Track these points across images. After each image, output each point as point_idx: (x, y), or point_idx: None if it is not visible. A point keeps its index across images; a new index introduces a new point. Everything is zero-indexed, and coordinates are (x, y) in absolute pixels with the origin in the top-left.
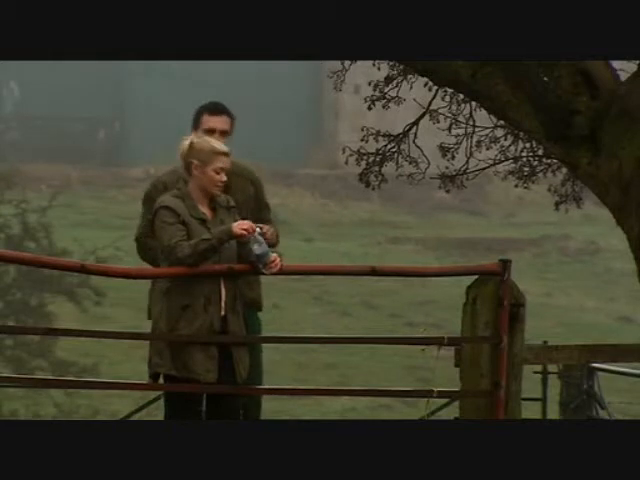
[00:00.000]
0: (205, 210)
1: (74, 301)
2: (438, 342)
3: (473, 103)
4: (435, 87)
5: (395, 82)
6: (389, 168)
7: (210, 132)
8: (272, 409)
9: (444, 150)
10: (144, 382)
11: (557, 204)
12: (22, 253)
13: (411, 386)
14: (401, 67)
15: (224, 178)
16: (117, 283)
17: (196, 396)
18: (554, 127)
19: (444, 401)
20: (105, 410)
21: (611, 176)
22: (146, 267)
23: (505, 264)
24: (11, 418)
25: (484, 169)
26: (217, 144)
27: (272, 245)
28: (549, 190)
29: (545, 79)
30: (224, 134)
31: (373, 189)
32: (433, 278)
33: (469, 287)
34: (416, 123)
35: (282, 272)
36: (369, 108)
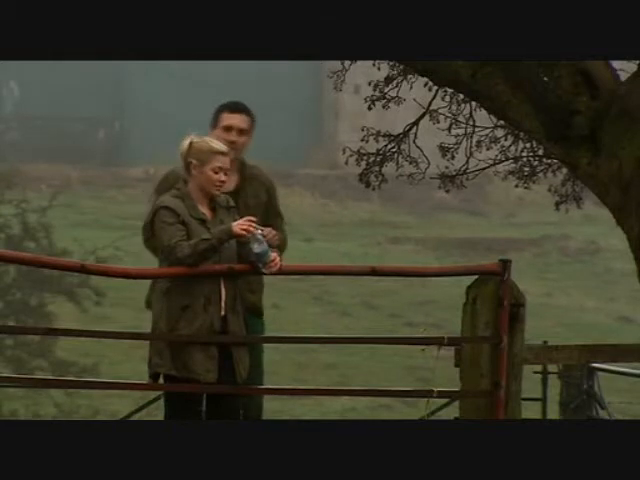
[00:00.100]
0: (205, 210)
1: (74, 301)
2: (438, 342)
3: (473, 103)
4: (435, 87)
5: (395, 82)
6: (389, 168)
7: (228, 129)
8: (272, 409)
9: (444, 150)
10: (144, 382)
11: (557, 204)
12: (22, 253)
13: (411, 386)
14: (401, 67)
15: (223, 178)
16: (117, 283)
17: (196, 396)
18: (554, 127)
19: (444, 401)
20: (105, 410)
21: (611, 176)
22: (146, 267)
23: (505, 264)
24: (11, 418)
25: (484, 169)
26: (216, 144)
27: (275, 248)
28: (549, 190)
29: (545, 79)
30: (242, 132)
31: (373, 189)
32: (433, 278)
33: (469, 287)
34: (416, 123)
35: (282, 272)
36: (369, 108)
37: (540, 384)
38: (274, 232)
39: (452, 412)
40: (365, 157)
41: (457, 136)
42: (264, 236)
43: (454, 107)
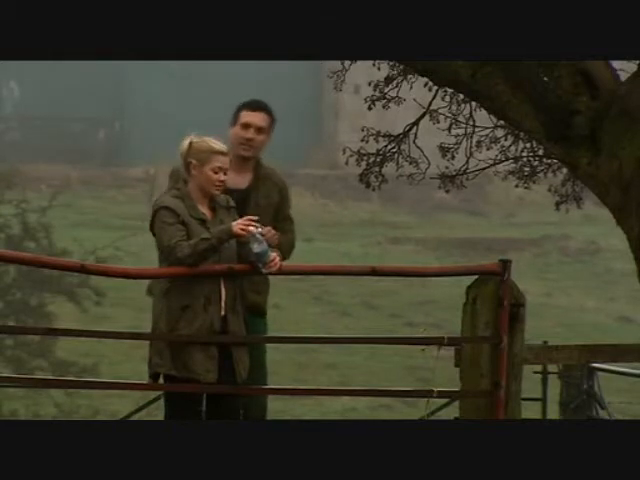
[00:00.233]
0: (205, 210)
1: (74, 301)
2: (438, 342)
3: (473, 103)
4: (435, 87)
5: (395, 82)
6: (389, 168)
7: (246, 127)
8: (273, 409)
9: (444, 150)
10: (144, 382)
11: (557, 204)
12: (22, 253)
13: (411, 386)
14: (401, 67)
15: (223, 177)
16: (117, 283)
17: (196, 396)
18: (554, 127)
19: (444, 401)
20: (105, 410)
21: (611, 176)
22: (146, 267)
23: (505, 264)
24: (11, 418)
25: (484, 169)
26: (216, 144)
27: (275, 247)
28: (549, 190)
29: (545, 79)
30: (260, 130)
31: (373, 189)
32: (433, 278)
33: (469, 287)
34: (416, 123)
35: (282, 272)
36: (369, 108)
37: (540, 384)
38: (273, 231)
39: (452, 412)
40: (365, 157)
41: (457, 136)
42: (263, 235)
43: (454, 107)
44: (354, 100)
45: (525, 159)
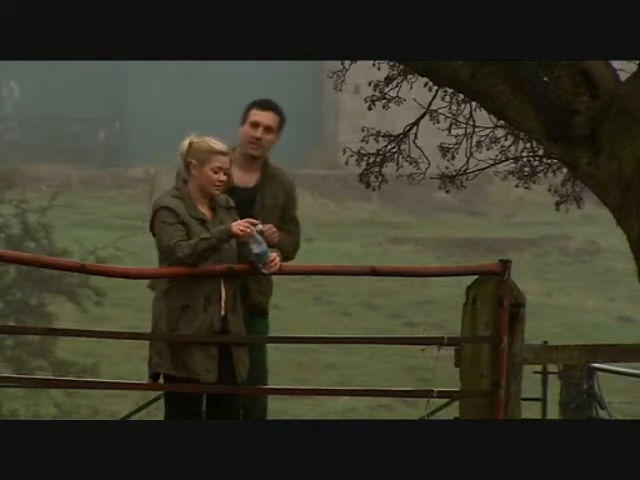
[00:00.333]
0: (205, 210)
1: (74, 301)
2: (438, 342)
3: (473, 103)
4: (435, 87)
5: (395, 82)
6: (389, 168)
7: (255, 126)
8: (273, 409)
9: (444, 150)
10: (144, 382)
11: (557, 204)
12: (22, 253)
13: (411, 386)
14: (401, 67)
15: (222, 177)
16: (117, 283)
17: (196, 396)
18: (554, 127)
19: (444, 401)
20: (105, 410)
21: (611, 176)
22: (145, 267)
23: (505, 264)
24: (11, 418)
25: (484, 169)
26: (215, 144)
27: (275, 246)
28: (549, 190)
29: (545, 79)
30: (269, 130)
31: (373, 189)
32: (433, 278)
33: (469, 287)
34: (416, 123)
35: (282, 272)
36: (369, 108)
37: (540, 384)
38: (274, 229)
39: (452, 412)
40: (365, 157)
41: (457, 136)
42: (263, 232)
43: (454, 107)
44: (354, 100)
45: (525, 159)
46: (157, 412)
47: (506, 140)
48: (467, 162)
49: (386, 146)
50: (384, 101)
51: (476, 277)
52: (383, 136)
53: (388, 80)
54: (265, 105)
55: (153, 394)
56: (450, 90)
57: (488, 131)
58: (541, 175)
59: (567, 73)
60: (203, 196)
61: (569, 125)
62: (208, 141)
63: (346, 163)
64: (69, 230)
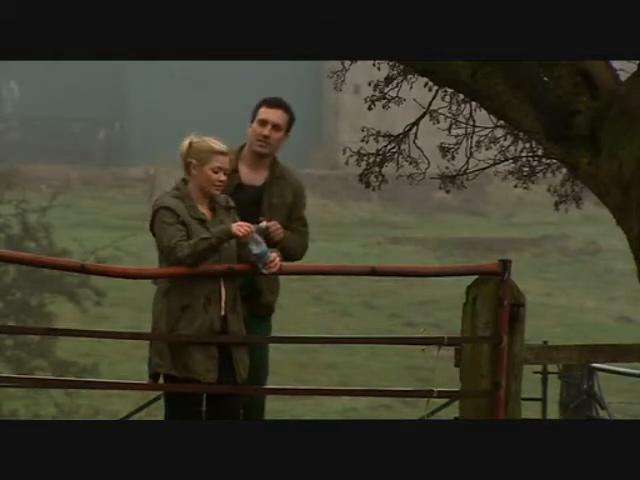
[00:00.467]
0: (204, 210)
1: (74, 301)
2: (438, 342)
3: (473, 103)
4: (435, 87)
5: (395, 82)
6: (389, 168)
7: (263, 123)
8: (273, 409)
9: (444, 150)
10: (144, 382)
11: (557, 204)
12: (22, 253)
13: (411, 386)
14: (401, 67)
15: (222, 177)
16: (117, 283)
17: (196, 396)
18: (554, 127)
19: (444, 401)
20: (105, 410)
21: (611, 176)
22: (145, 267)
23: (505, 264)
24: (11, 418)
25: (484, 169)
26: (215, 144)
27: (294, 251)
28: (548, 190)
29: (545, 79)
30: (277, 128)
31: (373, 189)
32: (433, 278)
33: (469, 287)
34: (416, 123)
35: (282, 272)
36: (369, 108)
37: (540, 384)
38: (278, 225)
39: (452, 412)
40: (365, 157)
41: (457, 136)
42: (268, 228)
43: (454, 107)
44: (354, 100)
45: (524, 159)
46: (157, 412)
47: (505, 140)
48: (467, 162)
49: (386, 146)
50: (384, 101)
51: (476, 277)
52: (383, 136)
53: (388, 80)
54: (274, 103)
55: (153, 394)
56: (450, 90)
57: (487, 131)
58: (540, 175)
59: (567, 73)
60: (203, 196)
61: (569, 125)
62: (208, 141)
63: (346, 163)
64: (69, 230)
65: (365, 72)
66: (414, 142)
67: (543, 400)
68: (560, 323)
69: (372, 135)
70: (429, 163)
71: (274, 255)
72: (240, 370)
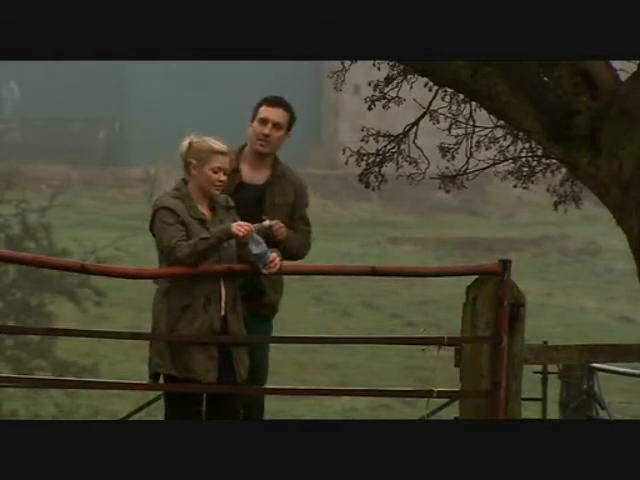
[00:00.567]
0: (204, 210)
1: (74, 301)
2: (438, 342)
3: (473, 103)
4: (435, 87)
5: (395, 82)
6: (389, 168)
7: (263, 122)
8: (273, 409)
9: (444, 150)
10: (144, 382)
11: (556, 204)
12: (22, 253)
13: (411, 386)
14: (401, 67)
15: (222, 177)
16: (117, 283)
17: (196, 396)
18: (554, 127)
19: (444, 401)
20: (105, 410)
21: (611, 176)
22: (145, 267)
23: (505, 264)
24: (11, 418)
25: (484, 169)
26: (215, 144)
27: (297, 250)
28: (548, 190)
29: (545, 79)
30: (277, 126)
31: (373, 189)
32: (433, 278)
33: (469, 287)
34: (416, 123)
35: (281, 272)
36: (369, 108)
37: (540, 384)
38: (281, 225)
39: (452, 412)
40: (365, 157)
41: (457, 136)
42: (271, 227)
43: (454, 107)
44: (354, 100)
45: (524, 159)
46: (157, 412)
47: (505, 140)
48: (467, 162)
49: (386, 146)
50: (384, 101)
51: (476, 277)
52: (383, 136)
53: (388, 80)
54: (274, 102)
55: (153, 394)
56: (450, 90)
57: (487, 131)
58: (540, 175)
59: (567, 73)
60: (203, 196)
61: (569, 125)
62: (208, 141)
63: (346, 163)
64: (69, 230)
65: (365, 72)
66: (414, 142)
67: (543, 400)
68: (560, 323)
69: (372, 135)
70: (429, 163)
71: (274, 255)
72: (240, 370)
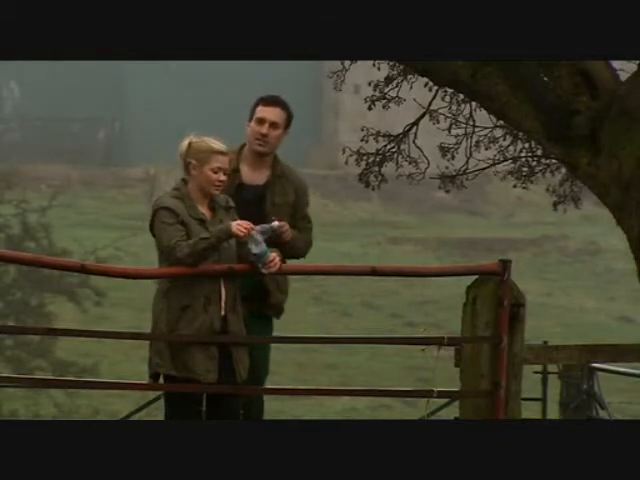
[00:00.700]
0: (204, 210)
1: (74, 301)
2: (438, 342)
3: (473, 103)
4: (435, 87)
5: (395, 82)
6: (389, 168)
7: (260, 122)
8: (273, 409)
9: (444, 150)
10: (144, 382)
11: (555, 204)
12: (22, 253)
13: (411, 386)
14: (401, 67)
15: (222, 177)
16: (117, 283)
17: (196, 396)
18: (554, 127)
19: (444, 401)
20: (105, 410)
21: (611, 176)
22: (145, 267)
23: (505, 264)
24: (11, 418)
25: (484, 169)
26: (215, 144)
27: (301, 250)
28: (547, 190)
29: (545, 79)
30: (275, 126)
31: (373, 189)
32: (433, 278)
33: (469, 287)
34: (416, 123)
35: (281, 272)
36: (369, 108)
37: (540, 384)
38: (287, 226)
39: (452, 412)
40: (365, 157)
41: (457, 136)
42: (279, 230)
43: (454, 107)
44: (354, 100)
45: (524, 159)
46: (157, 412)
47: (505, 140)
48: (467, 162)
49: (386, 146)
50: (384, 101)
51: (476, 277)
52: (383, 136)
53: (388, 80)
54: (271, 101)
55: (153, 394)
56: (450, 90)
57: (487, 131)
58: (539, 175)
59: (567, 73)
60: (203, 196)
61: (569, 125)
62: (208, 141)
63: (346, 163)
64: (69, 230)
65: (365, 72)
66: (414, 142)
67: (543, 400)
68: (560, 323)
69: (372, 135)
70: (429, 163)
71: (274, 255)
72: (240, 370)
